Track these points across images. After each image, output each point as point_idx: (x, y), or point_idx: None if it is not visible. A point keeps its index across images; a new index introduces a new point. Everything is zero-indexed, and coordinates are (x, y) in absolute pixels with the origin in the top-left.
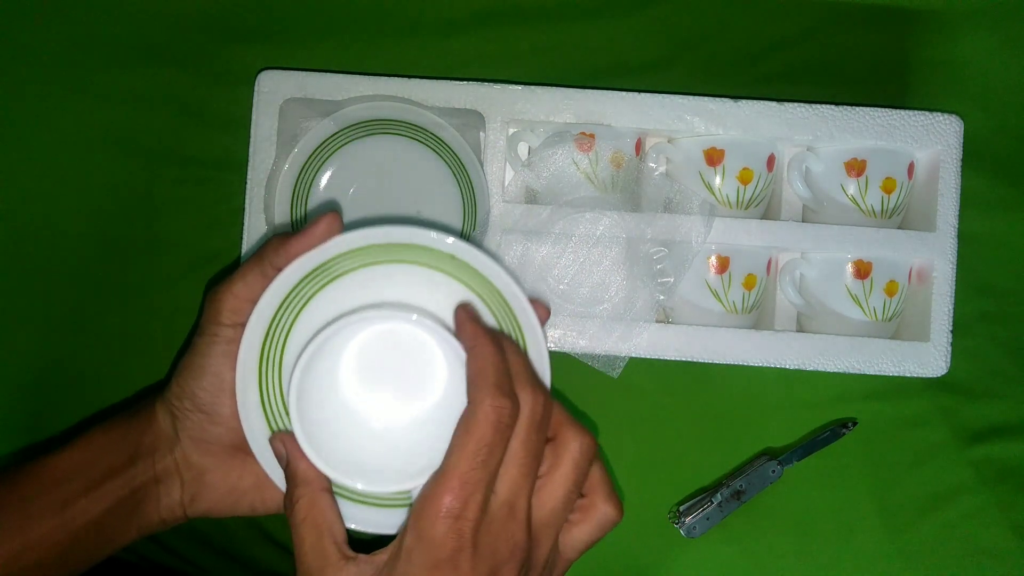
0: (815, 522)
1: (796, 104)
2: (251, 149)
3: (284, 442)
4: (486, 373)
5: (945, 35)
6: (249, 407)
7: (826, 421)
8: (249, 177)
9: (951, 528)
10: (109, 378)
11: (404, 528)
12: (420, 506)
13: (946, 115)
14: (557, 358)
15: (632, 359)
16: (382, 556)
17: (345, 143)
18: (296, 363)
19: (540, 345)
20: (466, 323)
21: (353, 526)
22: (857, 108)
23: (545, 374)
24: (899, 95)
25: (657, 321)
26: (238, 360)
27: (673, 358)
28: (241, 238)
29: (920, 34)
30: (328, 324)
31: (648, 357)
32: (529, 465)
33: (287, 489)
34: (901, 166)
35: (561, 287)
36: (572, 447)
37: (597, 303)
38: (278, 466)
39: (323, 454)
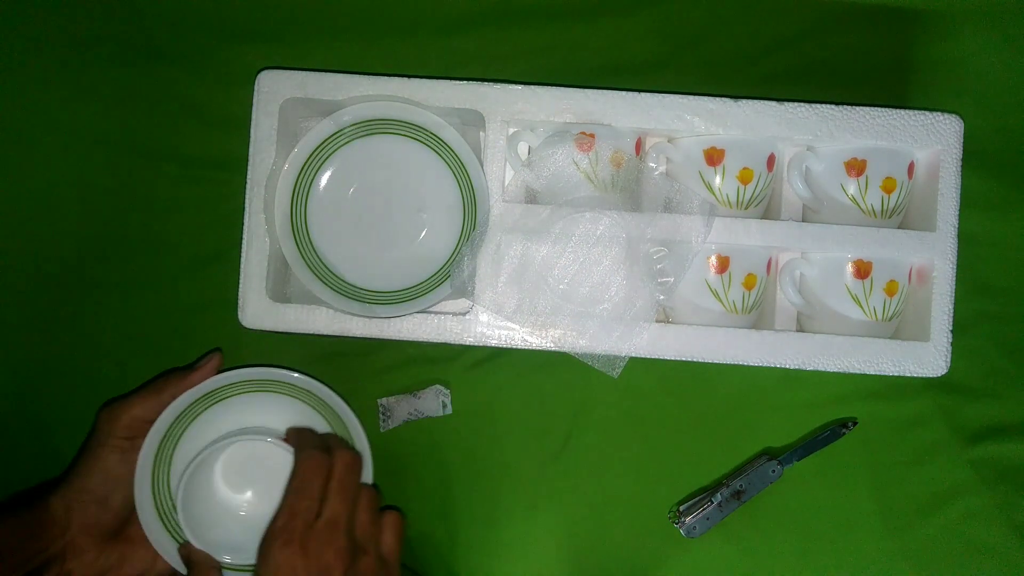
0: (815, 522)
1: (796, 104)
2: (251, 149)
3: (184, 550)
4: (301, 443)
5: (945, 35)
6: (144, 499)
7: (826, 421)
8: (249, 177)
9: (951, 528)
10: (109, 377)
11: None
12: (264, 536)
13: (946, 115)
14: (558, 356)
15: (632, 359)
16: None
17: (345, 143)
18: (180, 478)
19: (364, 446)
20: (292, 431)
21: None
22: (857, 108)
23: (368, 464)
24: (899, 95)
25: (657, 321)
26: (138, 462)
27: (673, 358)
28: (241, 238)
29: (920, 34)
30: (204, 448)
31: (648, 357)
32: (346, 497)
33: (187, 571)
34: (901, 166)
35: (561, 287)
36: (393, 516)
37: (597, 303)
38: (162, 543)
39: (200, 537)
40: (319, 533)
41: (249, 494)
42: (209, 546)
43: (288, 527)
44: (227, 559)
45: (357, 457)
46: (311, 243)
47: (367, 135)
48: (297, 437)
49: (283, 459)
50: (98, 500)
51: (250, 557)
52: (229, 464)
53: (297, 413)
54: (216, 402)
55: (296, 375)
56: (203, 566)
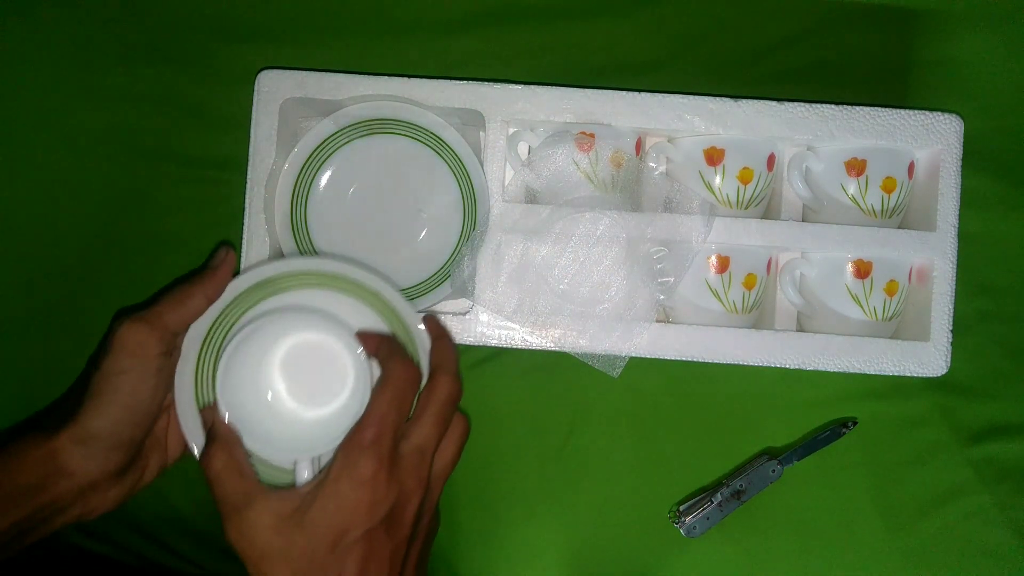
0: (815, 522)
1: (796, 104)
2: (251, 149)
3: (209, 414)
4: (394, 351)
5: (945, 35)
6: (185, 398)
7: (826, 421)
8: (249, 177)
9: (951, 528)
10: None
11: (328, 464)
12: (346, 441)
13: (946, 115)
14: (558, 356)
15: (632, 359)
16: (305, 487)
17: (345, 143)
18: (234, 336)
19: (424, 352)
20: (372, 335)
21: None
22: (857, 108)
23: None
24: (899, 95)
25: (657, 321)
26: (182, 355)
27: (673, 358)
28: (241, 238)
29: (920, 34)
30: (267, 313)
31: (648, 357)
32: (440, 427)
33: (205, 447)
34: (901, 166)
35: (561, 287)
36: (461, 426)
37: (597, 303)
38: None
39: (236, 420)
40: (408, 457)
41: (302, 393)
42: (243, 430)
43: (379, 441)
44: (256, 449)
45: (460, 388)
46: (311, 243)
47: (367, 135)
48: (388, 344)
49: (351, 371)
50: (124, 443)
51: (278, 453)
52: (287, 356)
53: (362, 318)
54: (272, 294)
55: (361, 272)
56: (226, 440)
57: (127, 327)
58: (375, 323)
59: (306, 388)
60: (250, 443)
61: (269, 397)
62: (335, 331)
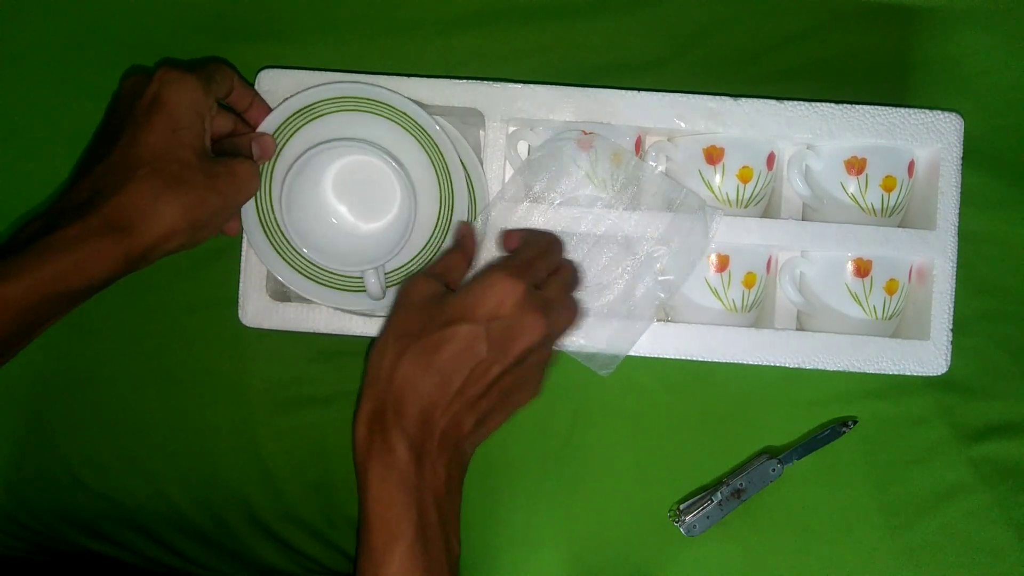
0: (815, 521)
1: (796, 102)
2: None
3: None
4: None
5: (946, 33)
6: (250, 219)
7: (826, 420)
8: None
9: (951, 527)
10: (109, 377)
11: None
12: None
13: (946, 113)
14: (559, 357)
15: (632, 358)
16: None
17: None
18: (287, 173)
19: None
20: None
21: (318, 301)
22: (857, 106)
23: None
24: (899, 93)
25: (657, 320)
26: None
27: (673, 356)
28: (241, 237)
29: (920, 32)
30: (326, 141)
31: (648, 356)
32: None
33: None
34: (901, 164)
35: None
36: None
37: (596, 302)
38: (270, 257)
39: (304, 242)
40: (557, 293)
41: (354, 211)
42: (306, 243)
43: (520, 271)
44: (313, 256)
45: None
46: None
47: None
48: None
49: (398, 189)
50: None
51: (336, 263)
52: (338, 176)
53: (396, 136)
54: (316, 117)
55: (392, 95)
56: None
57: (239, 175)
58: (408, 142)
59: (360, 205)
60: (320, 259)
61: (330, 218)
62: (377, 151)
